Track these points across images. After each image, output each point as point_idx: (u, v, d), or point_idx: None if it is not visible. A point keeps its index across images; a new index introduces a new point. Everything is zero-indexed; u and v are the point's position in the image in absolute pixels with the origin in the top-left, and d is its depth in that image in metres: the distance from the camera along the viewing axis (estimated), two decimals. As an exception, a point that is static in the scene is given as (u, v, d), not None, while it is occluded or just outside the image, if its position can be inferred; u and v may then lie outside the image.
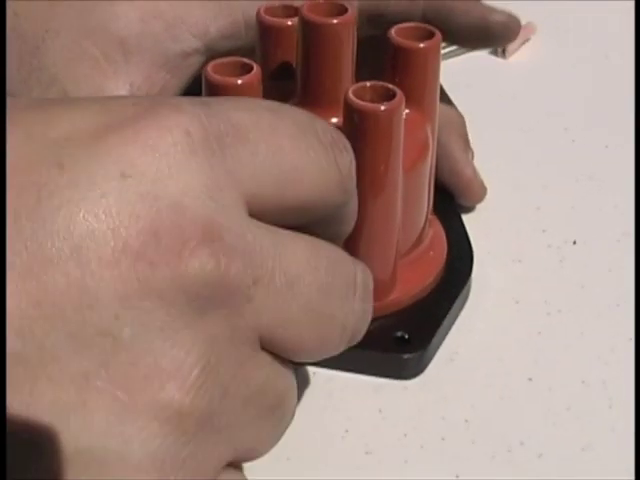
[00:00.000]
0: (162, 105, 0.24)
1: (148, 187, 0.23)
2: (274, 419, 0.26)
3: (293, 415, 0.27)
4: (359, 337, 0.28)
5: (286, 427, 0.27)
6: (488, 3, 0.41)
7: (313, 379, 0.36)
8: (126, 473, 0.23)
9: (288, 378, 0.27)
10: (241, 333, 0.24)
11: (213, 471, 0.25)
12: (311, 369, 0.37)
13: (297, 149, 0.26)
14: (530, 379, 0.36)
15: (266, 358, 0.25)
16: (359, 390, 0.36)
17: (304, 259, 0.25)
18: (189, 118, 0.24)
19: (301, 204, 0.26)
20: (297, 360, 0.27)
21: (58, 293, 0.22)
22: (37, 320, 0.22)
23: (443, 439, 0.34)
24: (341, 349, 0.27)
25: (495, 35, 0.40)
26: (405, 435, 0.34)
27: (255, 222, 0.25)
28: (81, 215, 0.22)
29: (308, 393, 0.36)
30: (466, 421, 0.35)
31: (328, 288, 0.26)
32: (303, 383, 0.36)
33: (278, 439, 0.27)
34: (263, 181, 0.25)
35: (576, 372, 0.36)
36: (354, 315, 0.27)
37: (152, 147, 0.23)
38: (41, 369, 0.22)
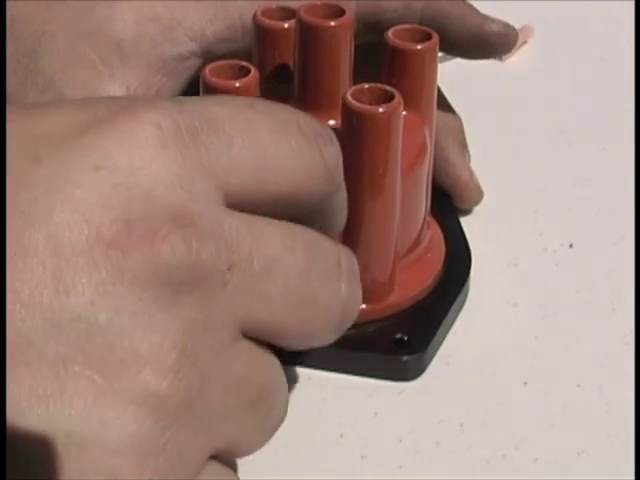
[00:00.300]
0: (138, 103, 0.25)
1: (121, 178, 0.24)
2: (259, 413, 0.26)
3: (284, 413, 0.27)
4: (350, 321, 0.28)
5: (276, 424, 0.27)
6: (487, 4, 0.41)
7: (308, 383, 0.36)
8: (104, 457, 0.23)
9: (272, 370, 0.27)
10: (217, 319, 0.25)
11: (195, 461, 0.25)
12: (307, 373, 0.36)
13: (277, 141, 0.26)
14: (525, 383, 0.36)
15: (247, 347, 0.26)
16: (354, 394, 0.36)
17: (280, 242, 0.26)
18: (161, 113, 0.25)
19: (284, 195, 0.26)
20: (285, 345, 0.27)
21: (34, 281, 0.23)
22: (14, 308, 0.23)
23: (438, 444, 0.34)
24: (332, 334, 0.28)
25: (491, 45, 0.40)
26: (400, 440, 0.34)
27: (230, 211, 0.25)
28: (57, 206, 0.23)
29: (303, 397, 0.36)
30: (461, 425, 0.35)
31: (308, 270, 0.26)
32: (298, 387, 0.36)
33: (267, 437, 0.27)
34: (240, 172, 0.25)
35: (572, 376, 0.36)
36: (340, 297, 0.27)
37: (126, 140, 0.24)
38: (19, 355, 0.23)
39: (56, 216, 0.23)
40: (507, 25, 0.40)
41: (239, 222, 0.25)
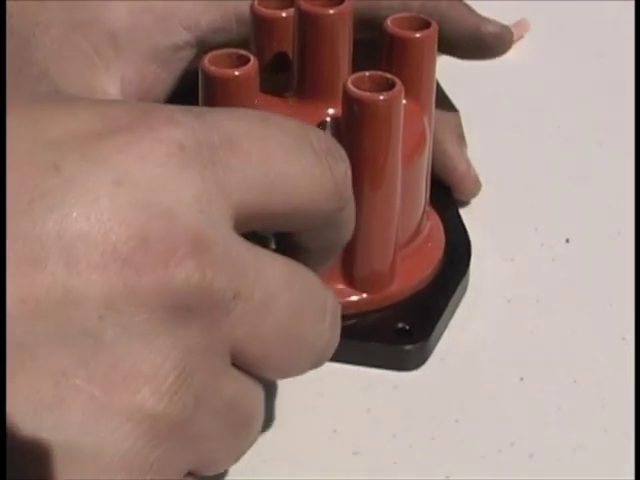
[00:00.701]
0: (156, 116, 0.25)
1: (140, 195, 0.23)
2: (240, 437, 0.27)
3: (255, 439, 0.28)
4: (323, 363, 0.29)
5: (247, 449, 0.28)
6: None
7: (302, 377, 0.36)
8: (97, 471, 0.23)
9: (258, 399, 0.27)
10: (217, 344, 0.25)
11: (176, 476, 0.25)
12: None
13: (288, 157, 0.26)
14: (522, 379, 0.36)
15: (236, 373, 0.26)
16: (348, 389, 0.35)
17: (282, 279, 0.26)
18: (183, 131, 0.25)
19: (292, 210, 0.26)
20: (262, 376, 0.27)
21: (43, 291, 0.22)
22: (20, 318, 0.22)
23: (433, 439, 0.34)
24: (304, 372, 0.28)
25: (488, 46, 0.40)
26: (394, 435, 0.34)
27: (240, 239, 0.25)
28: (73, 217, 0.23)
29: (296, 392, 0.35)
30: (456, 421, 0.34)
31: (301, 310, 0.26)
32: (291, 382, 0.35)
33: (238, 458, 0.28)
34: (251, 188, 0.25)
35: (568, 372, 0.36)
36: (322, 340, 0.27)
37: (146, 157, 0.24)
38: (19, 365, 0.22)
39: (71, 228, 0.23)
40: (503, 26, 0.40)
41: (248, 252, 0.25)
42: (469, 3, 0.56)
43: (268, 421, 0.34)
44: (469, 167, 0.43)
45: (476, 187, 0.43)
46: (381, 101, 0.34)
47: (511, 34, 0.40)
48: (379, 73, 0.35)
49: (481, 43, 0.40)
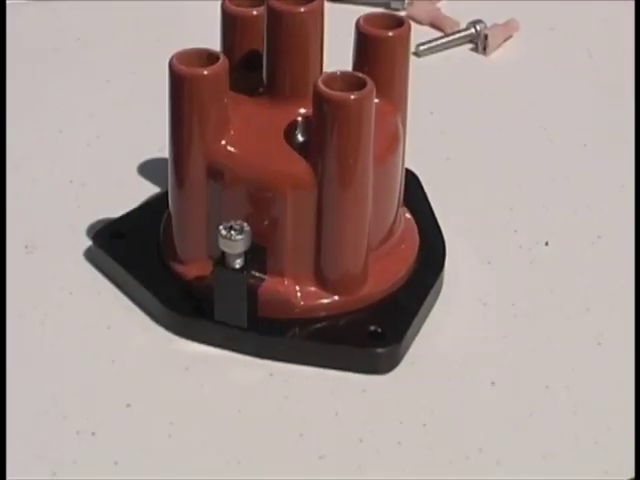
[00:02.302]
0: None
1: None
2: None
3: None
4: None
5: None
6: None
7: (270, 380, 0.35)
8: None
9: None
10: None
11: None
12: (269, 369, 0.36)
13: None
14: (493, 383, 0.35)
15: None
16: (316, 392, 0.35)
17: None
18: None
19: None
20: None
21: None
22: None
23: (399, 443, 0.33)
24: None
25: None
26: (361, 440, 0.33)
27: None
28: None
29: (264, 394, 0.35)
30: (424, 425, 0.34)
31: None
32: (259, 384, 0.35)
33: None
34: None
35: (540, 377, 0.35)
36: None
37: None
38: None
39: None
40: None
41: None
42: (458, 3, 0.56)
43: (233, 423, 0.34)
44: None
45: None
46: (352, 101, 0.33)
47: None
48: (350, 72, 0.34)
49: None
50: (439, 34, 0.54)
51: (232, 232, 0.34)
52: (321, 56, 0.36)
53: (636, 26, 0.54)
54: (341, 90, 0.34)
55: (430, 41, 0.53)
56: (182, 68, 0.34)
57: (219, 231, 0.34)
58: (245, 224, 0.34)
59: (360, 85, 0.34)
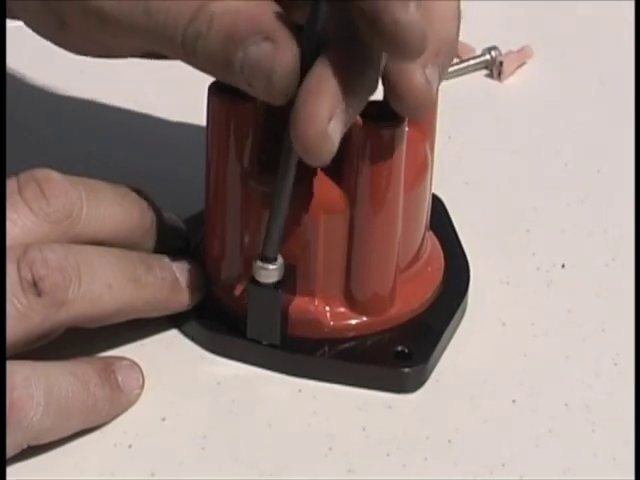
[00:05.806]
0: None
1: None
2: None
3: None
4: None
5: None
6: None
7: (298, 395, 0.37)
8: None
9: None
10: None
11: None
12: (298, 386, 0.37)
13: None
14: (514, 401, 0.37)
15: None
16: (343, 408, 0.36)
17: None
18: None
19: None
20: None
21: None
22: None
23: (426, 459, 0.34)
24: None
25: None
26: (388, 454, 0.35)
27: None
28: None
29: (293, 409, 0.36)
30: (449, 442, 0.35)
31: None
32: (289, 400, 0.36)
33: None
34: None
35: (560, 395, 0.37)
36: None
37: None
38: None
39: None
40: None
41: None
42: (474, 32, 0.57)
43: (264, 437, 0.35)
44: (427, 81, 0.34)
45: (424, 97, 0.34)
46: (385, 132, 0.35)
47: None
48: (383, 101, 0.35)
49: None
50: (455, 60, 0.55)
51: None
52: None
53: (636, 49, 0.55)
54: (374, 119, 0.35)
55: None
56: (224, 98, 0.35)
57: (254, 262, 0.35)
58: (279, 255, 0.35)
59: (393, 114, 0.35)
